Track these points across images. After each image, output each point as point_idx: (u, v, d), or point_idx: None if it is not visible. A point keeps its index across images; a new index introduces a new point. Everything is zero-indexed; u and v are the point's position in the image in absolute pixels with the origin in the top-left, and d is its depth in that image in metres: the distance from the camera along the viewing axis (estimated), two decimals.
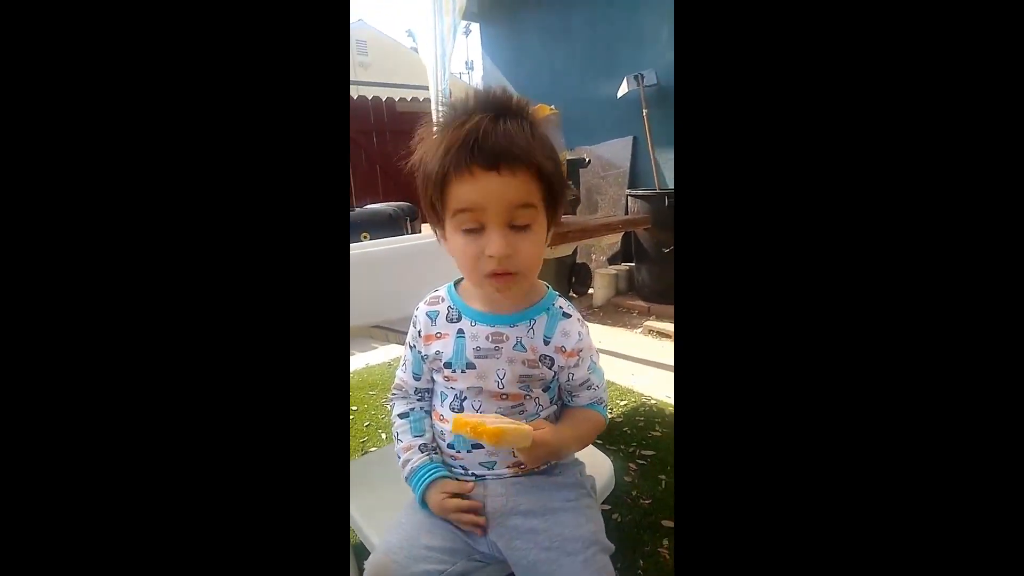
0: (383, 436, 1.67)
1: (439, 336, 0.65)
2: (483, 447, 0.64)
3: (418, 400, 0.71)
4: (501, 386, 0.63)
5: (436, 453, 0.68)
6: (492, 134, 0.53)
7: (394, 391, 0.72)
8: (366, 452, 1.59)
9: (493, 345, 0.63)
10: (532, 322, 0.64)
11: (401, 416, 0.70)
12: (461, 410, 0.65)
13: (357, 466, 0.90)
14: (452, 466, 0.67)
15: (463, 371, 0.63)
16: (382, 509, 0.74)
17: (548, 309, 0.65)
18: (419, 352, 0.68)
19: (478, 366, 0.63)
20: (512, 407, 0.64)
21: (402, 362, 0.72)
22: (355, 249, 0.89)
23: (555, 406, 0.69)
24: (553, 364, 0.64)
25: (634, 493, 1.32)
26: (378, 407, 1.87)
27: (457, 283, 0.69)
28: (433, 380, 0.69)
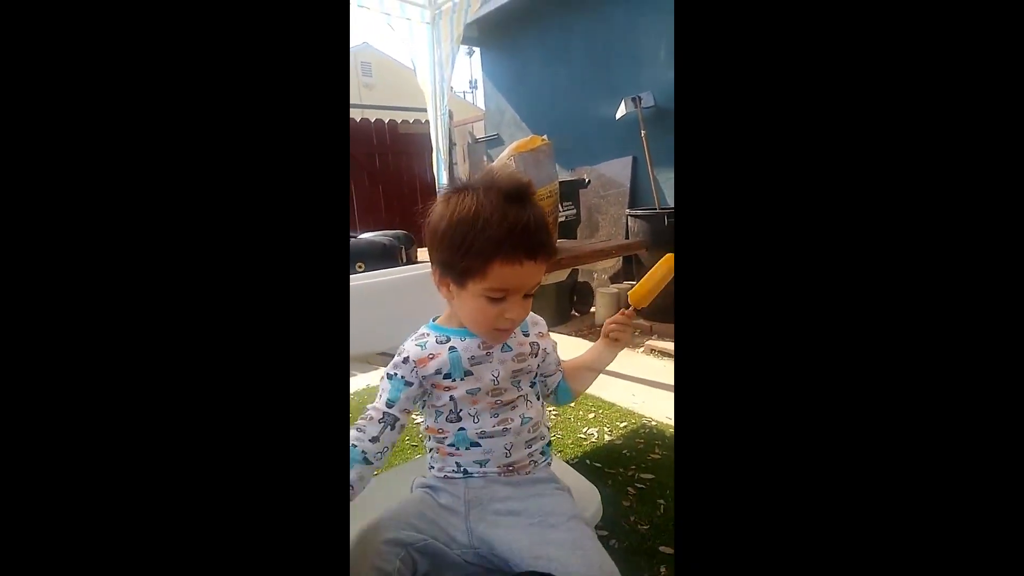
0: None
1: (432, 357, 0.72)
2: (480, 445, 0.72)
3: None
4: (496, 383, 0.73)
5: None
6: (535, 230, 0.66)
7: (359, 419, 0.71)
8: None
9: (484, 352, 0.73)
10: None
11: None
12: (458, 419, 0.72)
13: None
14: (447, 465, 0.73)
15: (461, 378, 0.72)
16: None
17: None
18: (402, 378, 0.71)
19: (474, 372, 0.72)
20: (507, 407, 0.73)
21: (378, 395, 0.72)
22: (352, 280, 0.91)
23: (541, 403, 0.80)
24: (538, 350, 0.78)
25: (632, 518, 1.31)
26: None
27: (434, 319, 0.77)
28: (423, 404, 0.74)
